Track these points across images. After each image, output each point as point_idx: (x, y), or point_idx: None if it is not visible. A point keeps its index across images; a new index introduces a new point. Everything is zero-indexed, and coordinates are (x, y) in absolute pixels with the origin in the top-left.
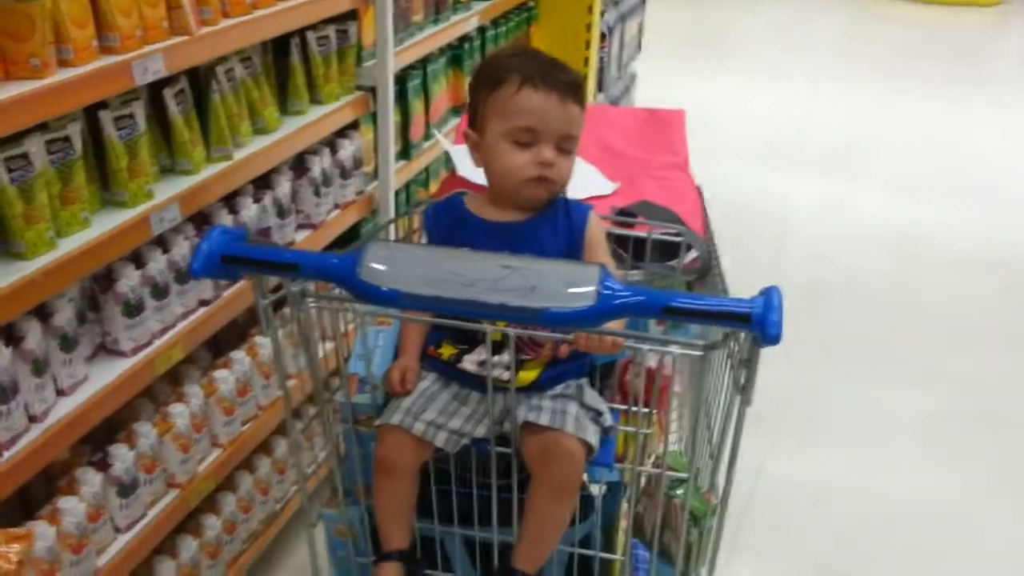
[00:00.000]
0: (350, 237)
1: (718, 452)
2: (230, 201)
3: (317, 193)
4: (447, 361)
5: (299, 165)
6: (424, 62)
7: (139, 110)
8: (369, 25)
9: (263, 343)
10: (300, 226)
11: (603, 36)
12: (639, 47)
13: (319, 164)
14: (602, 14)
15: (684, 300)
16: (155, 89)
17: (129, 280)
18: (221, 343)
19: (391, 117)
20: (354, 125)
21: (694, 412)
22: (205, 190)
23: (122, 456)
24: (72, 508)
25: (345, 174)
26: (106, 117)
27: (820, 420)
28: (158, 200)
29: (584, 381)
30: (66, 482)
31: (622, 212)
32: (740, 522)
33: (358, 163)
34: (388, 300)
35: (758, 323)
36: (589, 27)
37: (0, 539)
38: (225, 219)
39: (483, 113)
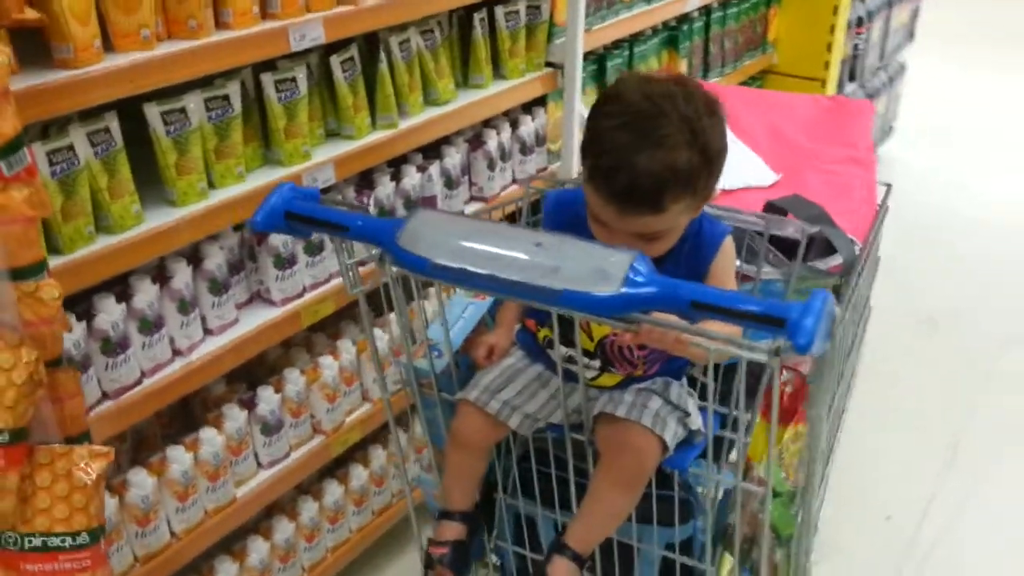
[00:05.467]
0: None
1: (809, 472)
2: (396, 167)
3: (491, 167)
4: (540, 342)
5: (476, 138)
6: (632, 41)
7: (301, 74)
8: (563, 2)
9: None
10: (472, 198)
11: (860, 21)
12: (911, 35)
13: (496, 138)
14: None
15: (713, 296)
16: (329, 53)
17: (281, 234)
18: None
19: (577, 96)
20: (542, 101)
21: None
22: (364, 155)
23: (268, 398)
24: (211, 439)
25: (525, 150)
26: (267, 79)
27: None
28: (314, 161)
29: (678, 380)
30: (214, 416)
31: (771, 206)
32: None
33: (541, 140)
34: (417, 268)
35: (791, 329)
36: (836, 10)
37: (84, 454)
38: (387, 185)
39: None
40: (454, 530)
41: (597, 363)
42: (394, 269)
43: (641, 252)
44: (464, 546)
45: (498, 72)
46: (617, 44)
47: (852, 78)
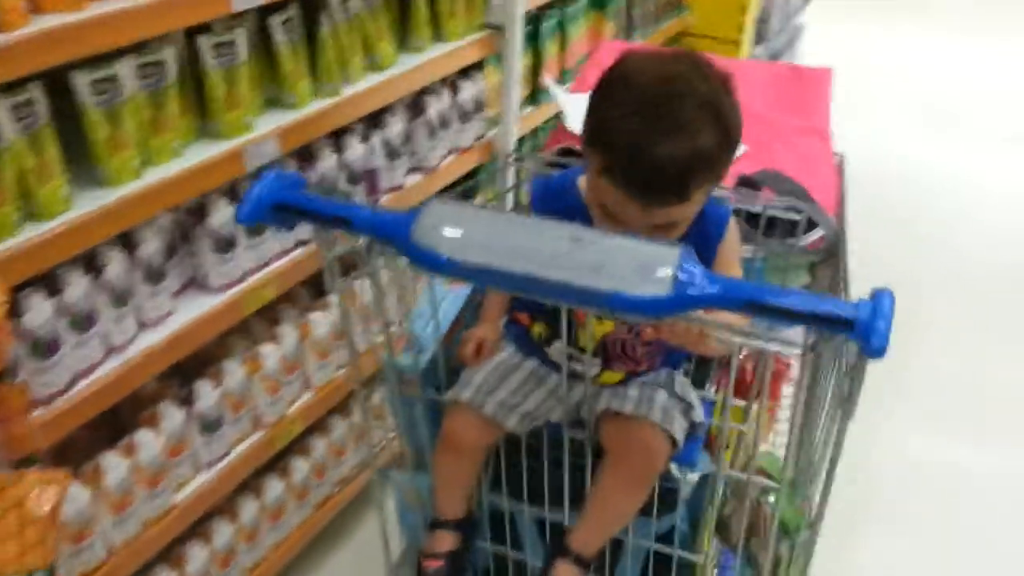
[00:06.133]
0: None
1: (818, 463)
2: (337, 139)
3: (432, 136)
4: (536, 339)
5: (415, 105)
6: (565, 2)
7: (241, 37)
8: None
9: (363, 288)
10: (412, 169)
11: None
12: None
13: (436, 105)
14: None
15: (775, 296)
16: (264, 16)
17: (221, 215)
18: (324, 284)
19: (517, 59)
20: (479, 66)
21: (793, 416)
22: (307, 126)
23: (207, 394)
24: (148, 442)
25: (465, 117)
26: (204, 43)
27: None
28: (256, 134)
29: (677, 371)
30: (148, 415)
31: (746, 181)
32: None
33: (479, 106)
34: (439, 267)
35: (862, 331)
36: None
37: (35, 480)
38: (329, 157)
39: (584, 150)
40: (448, 540)
41: (598, 361)
42: (380, 260)
43: (687, 247)
44: (460, 556)
45: (437, 34)
46: (548, 6)
47: (759, 40)
